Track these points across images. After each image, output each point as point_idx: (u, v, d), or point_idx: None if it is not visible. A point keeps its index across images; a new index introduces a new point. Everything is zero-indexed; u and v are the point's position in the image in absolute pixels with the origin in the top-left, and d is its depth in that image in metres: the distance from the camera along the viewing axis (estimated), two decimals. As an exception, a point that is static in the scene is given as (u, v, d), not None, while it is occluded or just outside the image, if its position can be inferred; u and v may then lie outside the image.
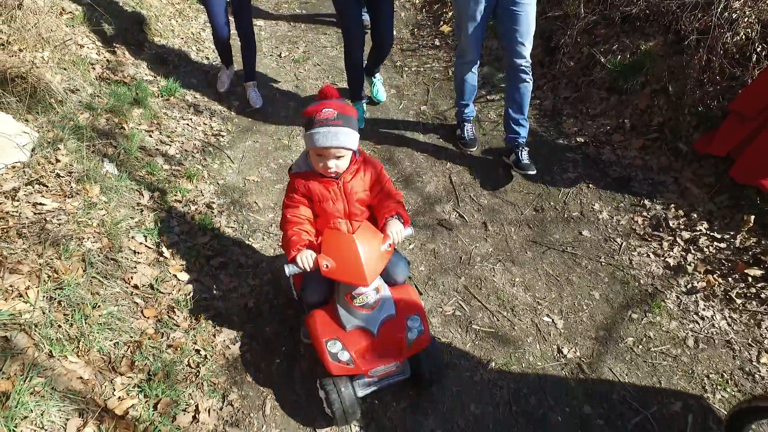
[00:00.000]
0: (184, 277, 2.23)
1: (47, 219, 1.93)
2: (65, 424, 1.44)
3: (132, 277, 2.06)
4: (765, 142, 2.46)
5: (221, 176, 2.99)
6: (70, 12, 3.45)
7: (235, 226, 2.66)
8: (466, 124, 3.26)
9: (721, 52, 2.72)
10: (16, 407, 1.35)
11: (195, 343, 1.98)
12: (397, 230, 1.71)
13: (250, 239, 2.60)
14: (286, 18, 5.04)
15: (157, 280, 2.11)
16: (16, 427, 1.33)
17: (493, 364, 2.09)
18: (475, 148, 3.21)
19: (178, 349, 1.90)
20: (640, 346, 2.15)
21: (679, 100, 2.91)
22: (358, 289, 1.68)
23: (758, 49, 2.65)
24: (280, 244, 1.78)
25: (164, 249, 2.28)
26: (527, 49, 2.70)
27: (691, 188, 2.74)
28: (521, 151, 2.93)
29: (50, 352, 1.56)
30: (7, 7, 2.76)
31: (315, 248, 1.69)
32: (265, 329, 2.18)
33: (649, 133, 3.03)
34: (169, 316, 2.01)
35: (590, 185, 2.92)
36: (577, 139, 3.22)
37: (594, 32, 3.57)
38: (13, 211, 1.88)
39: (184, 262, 2.29)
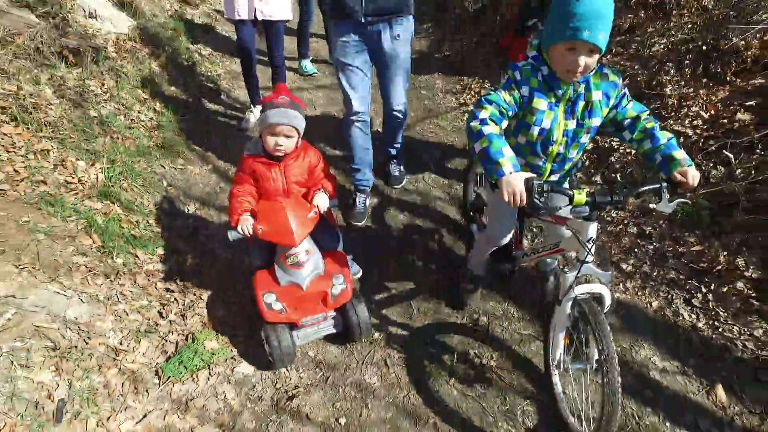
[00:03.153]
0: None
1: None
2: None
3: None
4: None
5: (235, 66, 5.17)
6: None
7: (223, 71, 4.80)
8: (358, 194, 3.03)
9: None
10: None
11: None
12: (322, 201, 2.04)
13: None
14: None
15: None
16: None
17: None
18: (361, 222, 3.02)
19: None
20: (423, 131, 4.02)
21: (503, 18, 4.77)
22: (290, 249, 1.97)
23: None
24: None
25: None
26: (401, 98, 2.82)
27: (494, 67, 4.57)
28: (393, 162, 3.30)
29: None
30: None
31: (255, 216, 1.99)
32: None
33: (484, 45, 4.89)
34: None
35: (439, 73, 4.83)
36: (445, 53, 5.14)
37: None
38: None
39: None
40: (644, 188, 1.51)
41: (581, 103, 1.59)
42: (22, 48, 2.97)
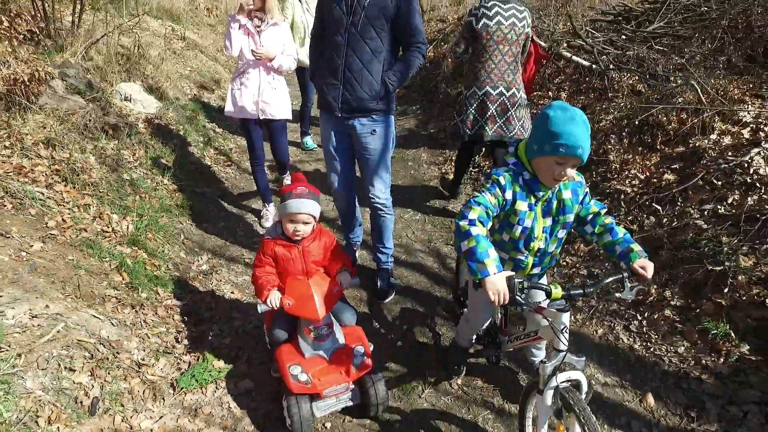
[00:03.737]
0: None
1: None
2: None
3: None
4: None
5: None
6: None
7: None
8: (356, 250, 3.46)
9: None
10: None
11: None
12: (345, 279, 2.22)
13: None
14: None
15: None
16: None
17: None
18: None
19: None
20: (408, 194, 4.59)
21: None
22: (314, 323, 2.10)
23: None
24: (254, 293, 2.29)
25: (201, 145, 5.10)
26: (378, 189, 2.90)
27: (469, 144, 5.25)
28: (381, 275, 3.20)
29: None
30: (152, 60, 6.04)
31: (281, 291, 2.16)
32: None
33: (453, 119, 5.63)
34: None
35: (425, 147, 5.51)
36: (431, 131, 5.87)
37: (454, 80, 6.38)
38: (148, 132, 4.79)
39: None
40: (610, 279, 1.67)
41: (555, 202, 1.78)
42: (75, 125, 3.62)
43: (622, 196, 3.46)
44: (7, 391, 1.86)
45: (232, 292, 3.22)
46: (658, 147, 3.67)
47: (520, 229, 1.79)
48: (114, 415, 2.11)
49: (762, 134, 3.23)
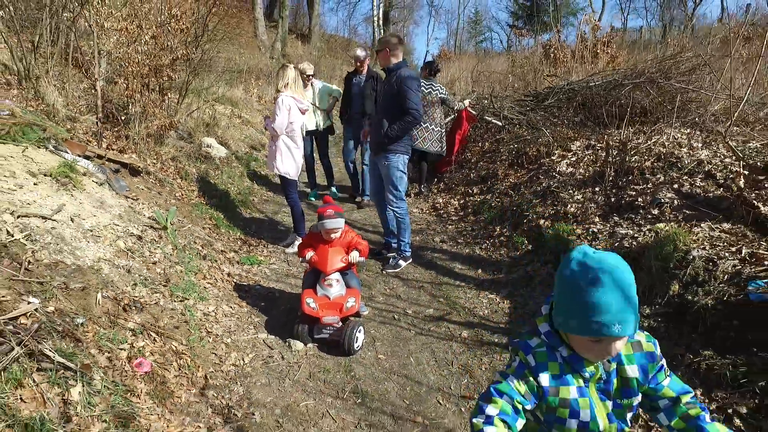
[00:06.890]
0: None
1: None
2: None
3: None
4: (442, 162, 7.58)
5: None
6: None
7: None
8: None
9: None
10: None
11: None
12: (354, 255, 3.48)
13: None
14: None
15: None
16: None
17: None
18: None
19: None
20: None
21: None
22: (327, 276, 3.39)
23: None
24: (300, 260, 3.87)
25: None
26: (389, 198, 4.55)
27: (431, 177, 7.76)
28: (390, 255, 4.85)
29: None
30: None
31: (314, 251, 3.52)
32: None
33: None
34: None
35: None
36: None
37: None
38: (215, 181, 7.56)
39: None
40: None
41: (615, 380, 1.26)
42: (185, 153, 6.38)
43: (498, 191, 5.85)
44: (174, 237, 4.29)
45: (270, 238, 5.66)
46: (525, 166, 6.10)
47: (575, 423, 1.27)
48: (212, 263, 4.50)
49: (573, 154, 5.65)
